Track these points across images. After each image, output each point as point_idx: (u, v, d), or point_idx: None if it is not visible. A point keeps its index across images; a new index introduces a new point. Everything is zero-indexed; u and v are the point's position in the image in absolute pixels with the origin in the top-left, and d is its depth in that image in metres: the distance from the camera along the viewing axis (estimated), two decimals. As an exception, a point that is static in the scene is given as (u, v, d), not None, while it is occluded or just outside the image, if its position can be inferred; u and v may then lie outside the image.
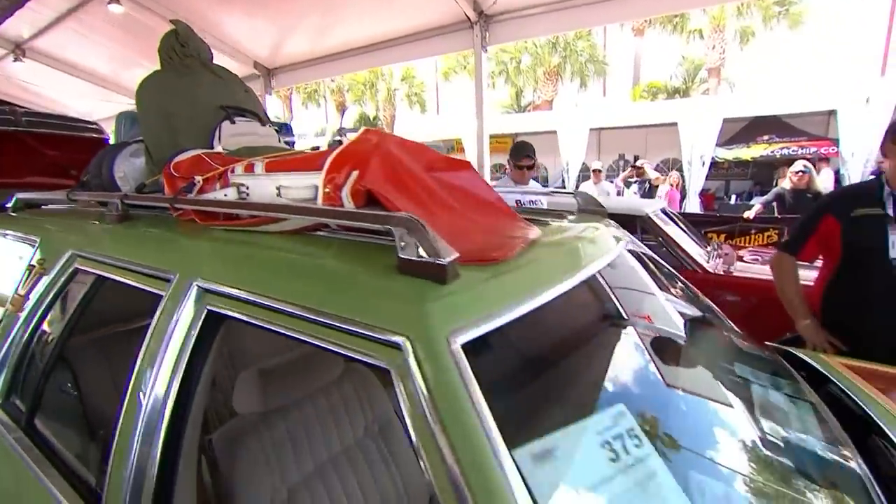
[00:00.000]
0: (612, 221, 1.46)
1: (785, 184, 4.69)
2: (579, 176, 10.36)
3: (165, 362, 0.82)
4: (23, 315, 1.28)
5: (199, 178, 1.20)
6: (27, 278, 1.39)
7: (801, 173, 4.44)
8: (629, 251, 1.31)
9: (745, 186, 10.95)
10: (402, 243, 0.68)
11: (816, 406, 1.08)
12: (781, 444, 0.86)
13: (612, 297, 1.17)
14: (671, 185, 6.47)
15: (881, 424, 1.02)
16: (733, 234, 4.59)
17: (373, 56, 4.93)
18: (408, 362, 0.55)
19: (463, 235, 0.79)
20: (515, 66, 15.68)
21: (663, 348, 1.10)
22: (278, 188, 1.01)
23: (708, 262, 2.88)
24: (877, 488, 0.79)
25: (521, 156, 2.75)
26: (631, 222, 3.13)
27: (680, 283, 1.56)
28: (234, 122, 1.57)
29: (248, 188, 1.08)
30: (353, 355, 0.61)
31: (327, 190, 0.90)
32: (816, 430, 0.97)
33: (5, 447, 1.07)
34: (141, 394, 0.82)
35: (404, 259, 0.67)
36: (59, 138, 3.59)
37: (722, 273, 2.78)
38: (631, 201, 3.57)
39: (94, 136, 3.42)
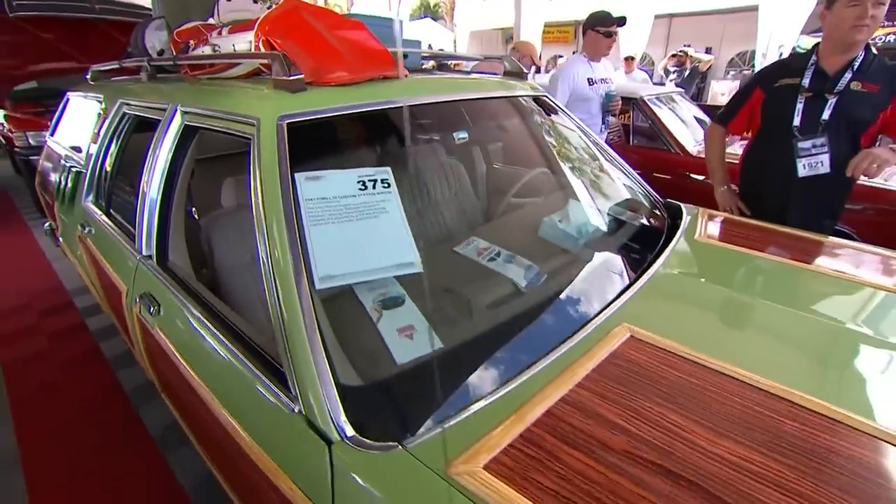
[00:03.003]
0: (535, 84, 1.74)
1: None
2: (648, 70, 9.54)
3: (161, 156, 1.34)
4: (95, 147, 1.89)
5: (192, 42, 1.65)
6: (97, 122, 1.98)
7: None
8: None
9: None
10: (276, 69, 1.08)
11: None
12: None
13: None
14: None
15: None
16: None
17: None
18: (257, 133, 0.99)
19: (332, 67, 1.17)
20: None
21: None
22: (233, 45, 1.43)
23: (695, 147, 2.98)
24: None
25: (612, 22, 2.56)
26: (627, 104, 3.24)
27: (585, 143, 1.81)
28: (229, 0, 1.94)
29: (219, 46, 1.51)
30: (240, 133, 1.06)
31: (256, 42, 1.31)
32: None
33: (98, 219, 1.72)
34: (149, 176, 1.35)
35: (276, 79, 1.09)
36: (129, 24, 4.15)
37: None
38: (633, 86, 3.57)
39: None
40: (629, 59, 5.12)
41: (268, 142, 0.96)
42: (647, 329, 0.91)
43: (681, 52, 5.71)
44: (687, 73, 5.53)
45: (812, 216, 1.76)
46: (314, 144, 1.04)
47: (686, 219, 1.54)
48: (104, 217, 1.69)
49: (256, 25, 1.30)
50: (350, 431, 0.67)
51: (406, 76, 1.28)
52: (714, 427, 0.69)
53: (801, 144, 1.70)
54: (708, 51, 9.70)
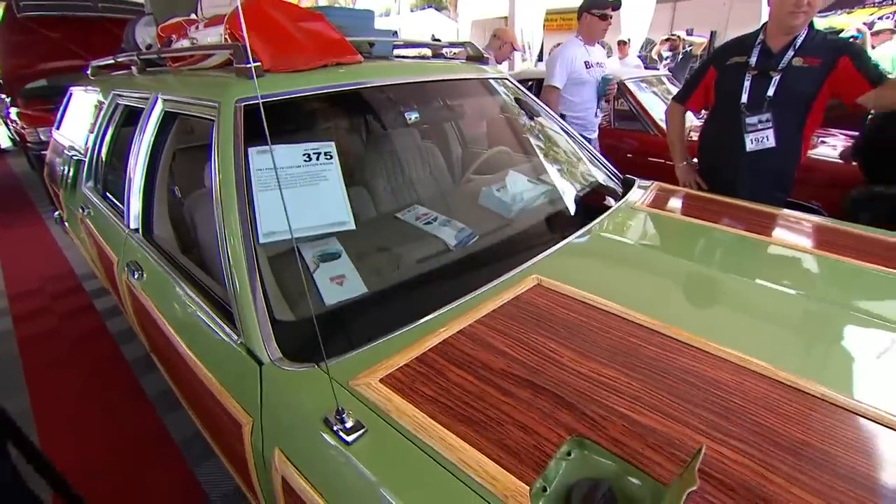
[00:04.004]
0: (499, 68, 1.85)
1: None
2: (644, 56, 9.45)
3: (145, 140, 1.49)
4: (92, 135, 2.05)
5: (174, 36, 1.79)
6: (95, 113, 2.15)
7: (852, 39, 4.06)
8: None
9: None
10: (237, 59, 1.22)
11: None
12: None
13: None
14: None
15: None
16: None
17: None
18: (218, 115, 1.12)
19: (292, 55, 1.30)
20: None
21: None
22: (208, 38, 1.57)
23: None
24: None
25: (607, 4, 2.56)
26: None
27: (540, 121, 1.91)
28: (212, -4, 2.08)
29: (196, 39, 1.64)
30: (204, 115, 1.20)
31: (224, 35, 1.44)
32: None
33: (95, 201, 1.88)
34: (135, 158, 1.50)
35: (237, 67, 1.22)
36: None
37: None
38: (616, 69, 3.63)
39: None
40: (623, 44, 5.13)
41: (226, 122, 1.10)
42: (555, 279, 1.03)
43: (673, 35, 5.70)
44: (680, 57, 5.52)
45: (762, 189, 1.85)
46: (272, 124, 1.17)
47: (633, 191, 1.65)
48: (99, 199, 1.85)
49: (225, 20, 1.44)
50: (277, 354, 0.82)
51: (360, 62, 1.40)
52: (584, 352, 0.82)
53: (748, 120, 1.79)
54: (713, 35, 9.57)
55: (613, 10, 2.63)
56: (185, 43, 1.66)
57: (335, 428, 0.67)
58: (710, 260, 1.19)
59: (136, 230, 1.46)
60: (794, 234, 1.32)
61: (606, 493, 0.59)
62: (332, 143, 1.13)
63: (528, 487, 0.59)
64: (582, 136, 2.79)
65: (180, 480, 1.65)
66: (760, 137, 1.78)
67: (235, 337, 0.88)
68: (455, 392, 0.74)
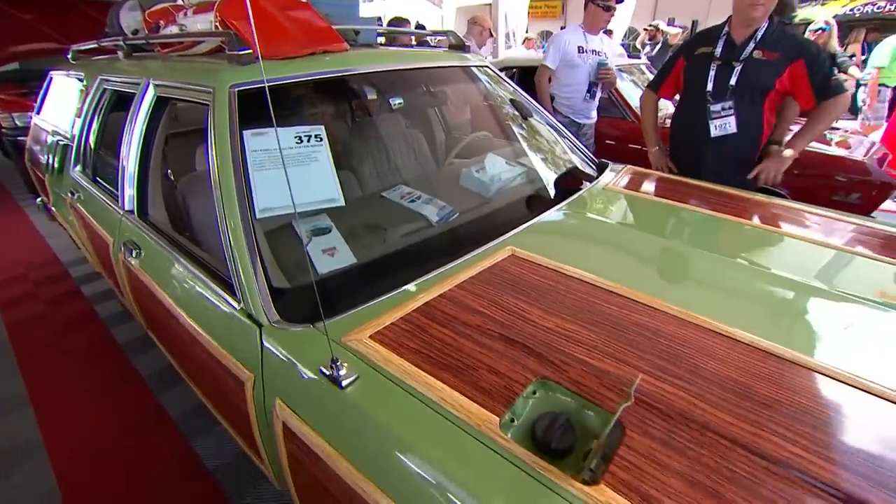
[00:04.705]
0: (480, 55, 1.92)
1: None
2: (627, 45, 9.58)
3: (138, 124, 1.53)
4: (79, 121, 2.07)
5: (161, 22, 1.83)
6: (80, 98, 2.16)
7: (819, 31, 4.26)
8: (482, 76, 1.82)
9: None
10: (229, 46, 1.28)
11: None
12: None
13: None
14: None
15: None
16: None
17: None
18: (213, 100, 1.19)
19: (280, 43, 1.36)
20: None
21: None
22: (197, 25, 1.61)
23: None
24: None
25: None
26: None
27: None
28: (197, -18, 2.10)
29: (185, 26, 1.68)
30: (198, 100, 1.26)
31: (214, 22, 1.49)
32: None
33: (85, 185, 1.92)
34: (128, 142, 1.55)
35: (229, 53, 1.28)
36: (107, 4, 4.26)
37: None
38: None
39: None
40: (606, 32, 5.22)
41: (221, 106, 1.16)
42: (528, 250, 1.13)
43: (651, 26, 5.83)
44: (658, 46, 5.66)
45: (726, 172, 1.97)
46: (263, 108, 1.24)
47: (606, 173, 1.76)
48: (90, 183, 1.89)
49: (215, 7, 1.49)
50: (275, 317, 0.90)
51: (346, 50, 1.47)
52: (551, 310, 0.92)
53: (712, 107, 1.91)
54: (694, 24, 9.75)
55: (617, 1, 2.78)
56: (174, 29, 1.70)
57: (331, 375, 0.77)
58: (672, 235, 1.30)
59: (131, 211, 1.52)
60: (751, 213, 1.45)
61: (565, 422, 0.70)
62: (322, 127, 1.21)
63: (498, 419, 0.70)
64: (572, 120, 2.93)
65: (180, 455, 1.72)
66: (723, 124, 1.90)
67: (236, 305, 0.97)
68: (436, 345, 0.83)
